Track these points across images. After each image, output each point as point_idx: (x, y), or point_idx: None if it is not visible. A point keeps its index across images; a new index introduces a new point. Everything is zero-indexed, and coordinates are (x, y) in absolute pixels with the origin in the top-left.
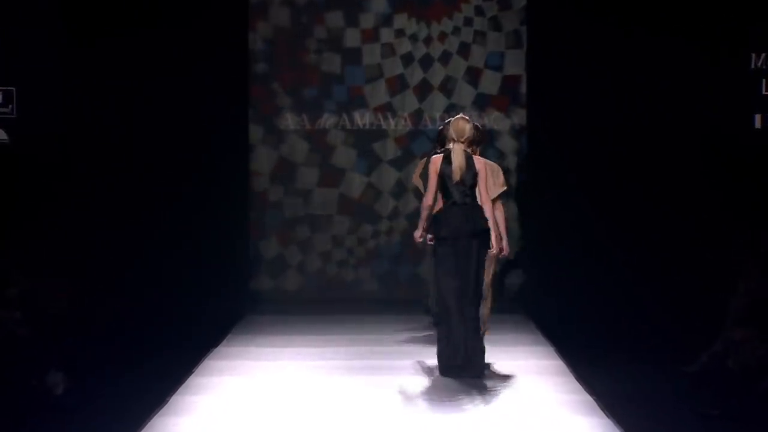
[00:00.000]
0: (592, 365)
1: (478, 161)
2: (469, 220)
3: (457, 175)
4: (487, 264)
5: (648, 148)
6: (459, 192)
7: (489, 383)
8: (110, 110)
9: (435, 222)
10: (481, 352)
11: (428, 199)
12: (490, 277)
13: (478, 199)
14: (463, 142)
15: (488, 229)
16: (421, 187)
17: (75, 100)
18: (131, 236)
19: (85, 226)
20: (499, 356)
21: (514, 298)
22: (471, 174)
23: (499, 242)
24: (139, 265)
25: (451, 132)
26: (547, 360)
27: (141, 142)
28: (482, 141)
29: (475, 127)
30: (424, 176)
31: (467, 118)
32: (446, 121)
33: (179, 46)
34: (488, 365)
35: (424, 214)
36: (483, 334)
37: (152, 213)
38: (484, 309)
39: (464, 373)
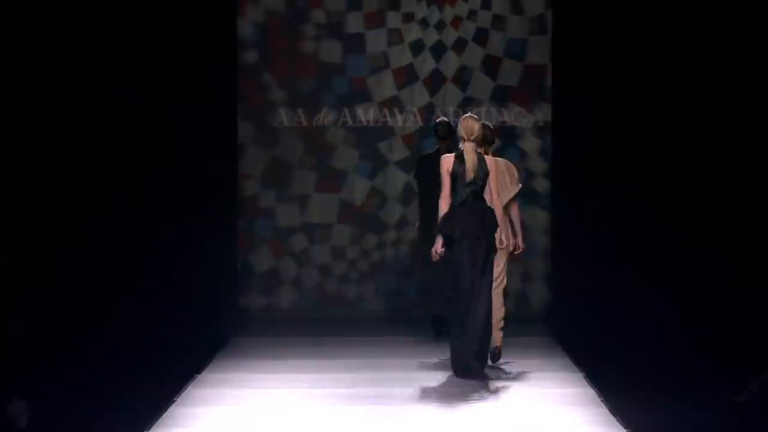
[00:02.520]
0: (626, 394)
1: (489, 160)
2: (480, 220)
3: (470, 174)
4: (497, 272)
5: (693, 145)
6: (470, 191)
7: (513, 414)
8: (76, 105)
9: (445, 222)
10: (484, 358)
11: (444, 202)
12: (503, 287)
13: (487, 199)
14: (473, 141)
15: (494, 230)
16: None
17: (39, 94)
18: (103, 248)
19: (51, 237)
20: (523, 383)
21: (540, 319)
22: (483, 173)
23: (512, 239)
24: (111, 282)
25: (461, 131)
26: (576, 388)
27: (114, 143)
28: (493, 140)
29: (485, 126)
30: (418, 176)
31: (476, 117)
32: (438, 120)
33: (157, 32)
34: (512, 393)
35: (441, 217)
36: (496, 351)
37: (127, 222)
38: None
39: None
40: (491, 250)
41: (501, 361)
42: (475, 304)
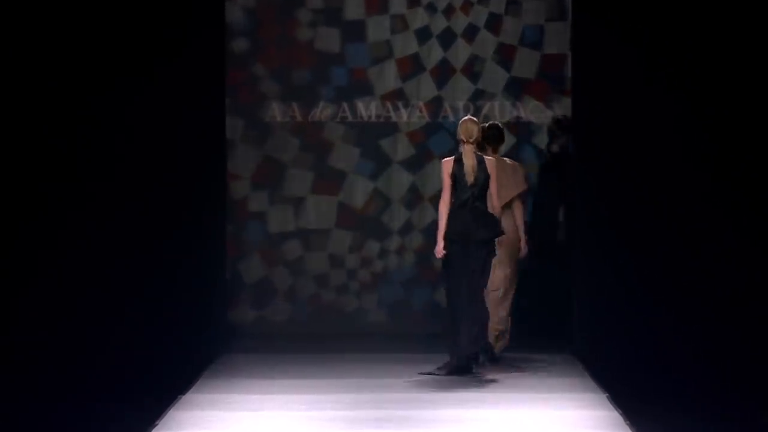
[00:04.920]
0: (655, 417)
1: (489, 163)
2: (479, 223)
3: (470, 177)
4: (505, 274)
5: (730, 144)
6: (469, 194)
7: None
8: (46, 98)
9: (447, 224)
10: (474, 358)
11: (444, 205)
12: (512, 293)
13: (488, 203)
14: (472, 143)
15: (496, 235)
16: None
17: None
18: (78, 254)
19: (22, 243)
20: (540, 404)
21: (559, 335)
22: (483, 176)
23: (515, 243)
24: (86, 292)
25: (460, 134)
26: (599, 410)
27: (90, 141)
28: (502, 139)
29: (494, 127)
30: None
31: (475, 119)
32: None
33: (136, 18)
34: (527, 416)
35: (442, 223)
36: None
37: (102, 229)
38: (501, 326)
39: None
40: (491, 253)
41: (514, 377)
42: (472, 307)
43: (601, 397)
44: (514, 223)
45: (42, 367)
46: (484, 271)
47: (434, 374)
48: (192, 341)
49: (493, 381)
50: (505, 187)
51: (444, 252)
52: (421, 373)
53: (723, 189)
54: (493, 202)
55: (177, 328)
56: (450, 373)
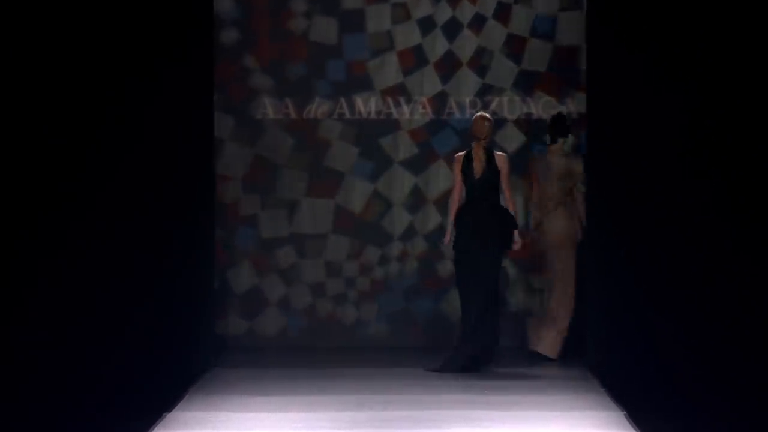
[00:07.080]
0: None
1: (500, 158)
2: (488, 218)
3: (478, 173)
4: (562, 267)
5: (759, 145)
6: (479, 189)
7: None
8: (17, 92)
9: (456, 219)
10: (492, 347)
11: (454, 198)
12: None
13: (502, 199)
14: (483, 140)
15: (509, 228)
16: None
17: None
18: (54, 263)
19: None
20: (554, 423)
21: (574, 348)
22: (491, 172)
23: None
24: (64, 302)
25: (472, 130)
26: (616, 429)
27: (69, 141)
28: (561, 134)
29: (555, 119)
30: None
31: (488, 116)
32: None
33: (114, 7)
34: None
35: (451, 214)
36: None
37: (83, 234)
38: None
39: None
40: (502, 247)
41: (525, 394)
42: (480, 300)
43: (619, 415)
44: (567, 214)
45: (18, 384)
46: (495, 265)
47: (438, 371)
48: (177, 355)
49: (501, 398)
50: (550, 182)
51: (450, 240)
52: (428, 370)
53: (750, 193)
54: (507, 196)
55: (161, 341)
56: (455, 370)
